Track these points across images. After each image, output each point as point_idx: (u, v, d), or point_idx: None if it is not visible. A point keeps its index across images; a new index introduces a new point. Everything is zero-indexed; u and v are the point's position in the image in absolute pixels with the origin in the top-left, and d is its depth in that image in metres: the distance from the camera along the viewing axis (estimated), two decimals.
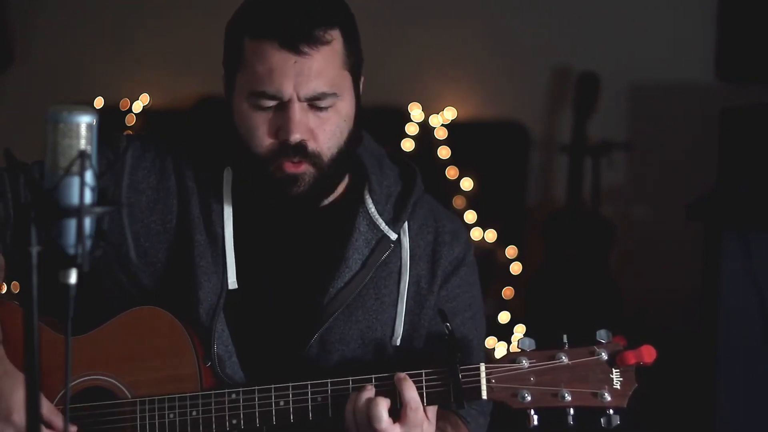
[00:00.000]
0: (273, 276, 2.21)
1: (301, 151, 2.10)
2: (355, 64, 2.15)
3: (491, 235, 5.36)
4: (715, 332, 3.64)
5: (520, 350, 2.07)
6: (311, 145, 2.10)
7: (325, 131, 2.11)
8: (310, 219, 2.21)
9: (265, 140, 2.10)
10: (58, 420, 2.09)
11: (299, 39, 2.06)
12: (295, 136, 2.08)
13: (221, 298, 2.17)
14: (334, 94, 2.10)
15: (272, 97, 2.08)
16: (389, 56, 5.43)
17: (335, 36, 2.10)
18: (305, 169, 2.11)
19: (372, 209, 2.22)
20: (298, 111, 2.08)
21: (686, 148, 5.30)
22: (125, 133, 2.37)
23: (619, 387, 2.04)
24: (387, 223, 2.22)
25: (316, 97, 2.09)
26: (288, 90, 2.07)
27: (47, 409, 2.09)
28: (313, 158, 2.11)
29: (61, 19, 5.91)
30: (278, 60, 2.07)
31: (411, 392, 2.04)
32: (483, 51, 5.59)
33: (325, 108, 2.10)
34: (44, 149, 1.55)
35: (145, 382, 2.13)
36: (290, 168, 2.10)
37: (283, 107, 2.09)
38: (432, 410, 2.07)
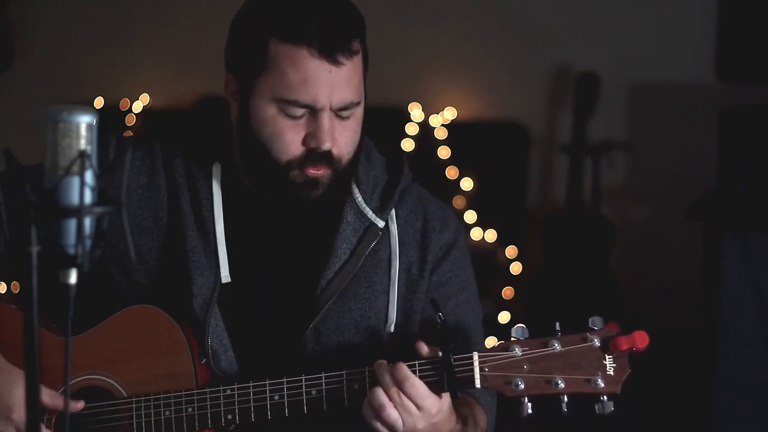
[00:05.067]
0: (265, 269, 2.22)
1: (326, 157, 2.11)
2: (366, 68, 2.17)
3: (491, 235, 5.36)
4: (715, 332, 3.64)
5: (513, 339, 2.07)
6: (335, 151, 2.12)
7: (346, 137, 2.13)
8: (298, 211, 2.21)
9: (293, 146, 2.11)
10: (61, 404, 2.09)
11: (337, 48, 2.07)
12: (327, 145, 2.10)
13: (215, 292, 2.18)
14: (359, 103, 2.13)
15: (305, 106, 2.09)
16: (389, 56, 5.42)
17: (360, 46, 2.12)
18: (324, 172, 2.12)
19: (359, 198, 2.23)
20: (329, 120, 2.09)
21: (686, 148, 5.30)
22: (122, 134, 2.37)
23: (612, 373, 2.04)
24: (374, 212, 2.23)
25: (345, 107, 2.10)
26: (323, 99, 2.08)
27: (49, 395, 2.09)
28: (335, 164, 2.13)
29: (61, 19, 5.91)
30: (314, 68, 2.07)
31: (401, 372, 2.03)
32: (483, 51, 5.60)
33: (348, 116, 2.12)
34: (44, 149, 1.55)
35: (141, 381, 2.14)
36: (311, 172, 2.12)
37: (313, 115, 2.09)
38: (446, 398, 2.07)
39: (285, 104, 2.09)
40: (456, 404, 2.14)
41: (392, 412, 2.03)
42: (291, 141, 2.10)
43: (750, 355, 3.61)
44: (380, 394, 2.04)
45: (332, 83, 2.07)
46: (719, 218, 3.69)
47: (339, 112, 2.10)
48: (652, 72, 5.45)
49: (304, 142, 2.11)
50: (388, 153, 2.32)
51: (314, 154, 2.10)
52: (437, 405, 2.05)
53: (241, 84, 2.15)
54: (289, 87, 2.08)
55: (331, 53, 2.06)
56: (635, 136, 5.46)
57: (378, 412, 2.04)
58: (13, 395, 2.06)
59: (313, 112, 2.09)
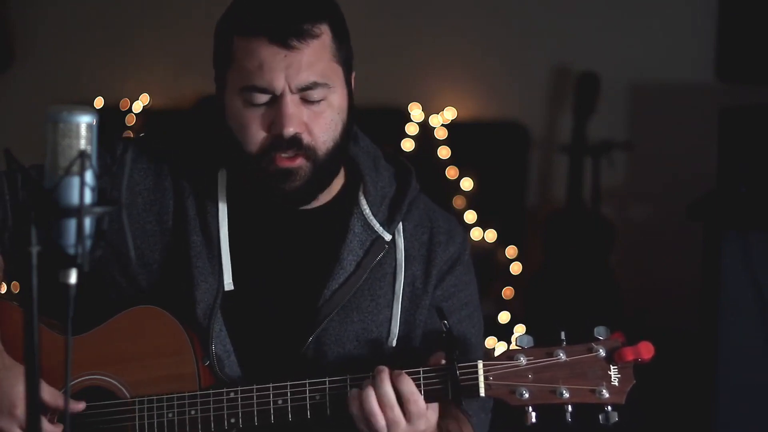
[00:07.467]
0: (269, 277, 2.21)
1: (295, 144, 2.09)
2: (346, 58, 2.15)
3: (491, 235, 5.36)
4: (715, 332, 3.64)
5: (518, 347, 2.07)
6: (306, 139, 2.10)
7: (320, 124, 2.11)
8: (304, 220, 2.21)
9: (258, 135, 2.10)
10: (62, 403, 2.09)
11: (288, 33, 2.07)
12: (289, 130, 2.08)
13: (218, 299, 2.17)
14: (326, 85, 2.10)
15: (264, 91, 2.09)
16: (389, 56, 5.43)
17: (324, 30, 2.10)
18: (301, 163, 2.11)
19: (366, 210, 2.22)
20: (291, 104, 2.08)
21: (686, 148, 5.30)
22: (128, 136, 2.38)
23: (617, 384, 2.03)
24: (381, 224, 2.22)
25: (308, 87, 2.08)
26: (279, 83, 2.07)
27: (50, 394, 2.09)
28: (308, 151, 2.10)
29: (61, 19, 5.91)
30: (268, 54, 2.07)
31: (408, 386, 2.04)
32: (483, 51, 5.60)
33: (318, 101, 2.10)
34: (44, 149, 1.55)
35: (144, 382, 2.14)
36: (283, 162, 2.10)
37: (275, 101, 2.09)
38: (433, 406, 2.07)
39: (246, 92, 2.10)
40: (447, 419, 2.14)
41: (380, 420, 2.03)
42: (257, 131, 2.10)
43: (750, 355, 3.61)
44: (373, 403, 2.03)
45: (288, 66, 2.07)
46: (719, 218, 3.69)
47: (306, 96, 2.09)
48: (652, 72, 5.45)
49: (270, 129, 2.10)
50: (395, 161, 2.31)
51: (280, 140, 2.09)
52: (427, 422, 2.06)
53: (217, 84, 2.18)
54: (247, 75, 2.09)
55: (282, 38, 2.07)
56: (635, 136, 5.46)
57: (367, 418, 2.04)
58: (15, 392, 2.06)
59: (275, 98, 2.09)
